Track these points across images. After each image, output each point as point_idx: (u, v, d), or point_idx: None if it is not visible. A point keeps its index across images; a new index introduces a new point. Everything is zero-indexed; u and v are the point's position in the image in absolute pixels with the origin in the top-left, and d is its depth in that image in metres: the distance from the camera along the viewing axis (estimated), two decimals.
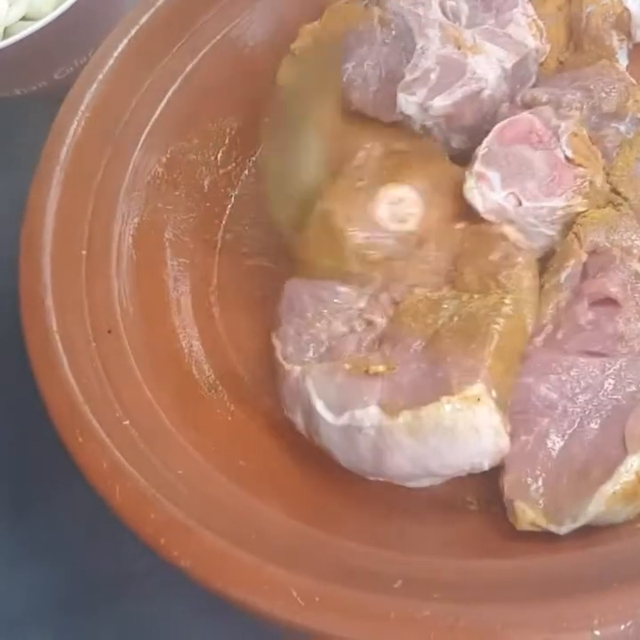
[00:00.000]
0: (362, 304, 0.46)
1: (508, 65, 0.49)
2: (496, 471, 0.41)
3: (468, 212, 0.47)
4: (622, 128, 0.48)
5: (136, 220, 0.53)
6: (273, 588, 0.35)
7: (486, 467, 0.40)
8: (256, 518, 0.41)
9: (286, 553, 0.38)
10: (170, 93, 0.56)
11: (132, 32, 0.53)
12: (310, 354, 0.45)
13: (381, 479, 0.42)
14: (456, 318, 0.42)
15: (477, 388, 0.39)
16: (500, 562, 0.38)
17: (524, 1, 0.52)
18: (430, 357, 0.41)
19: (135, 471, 0.40)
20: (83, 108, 0.51)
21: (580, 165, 0.46)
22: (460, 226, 0.47)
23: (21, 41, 0.57)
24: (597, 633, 0.31)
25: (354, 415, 0.40)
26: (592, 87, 0.48)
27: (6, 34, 0.61)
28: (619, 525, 0.39)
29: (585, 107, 0.48)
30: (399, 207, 0.48)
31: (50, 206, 0.48)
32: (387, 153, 0.50)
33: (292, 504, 0.43)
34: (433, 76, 0.48)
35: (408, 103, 0.48)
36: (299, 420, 0.44)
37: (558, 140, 0.46)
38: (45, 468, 0.52)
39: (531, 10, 0.52)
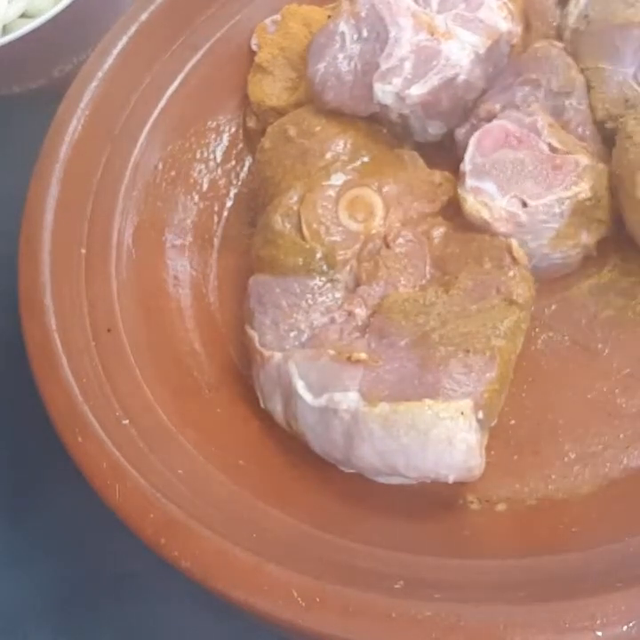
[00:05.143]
0: (337, 294, 0.46)
1: (482, 50, 0.49)
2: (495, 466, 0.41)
3: (446, 216, 0.47)
4: (574, 102, 0.48)
5: (135, 219, 0.53)
6: (273, 588, 0.35)
7: (451, 480, 0.39)
8: (256, 518, 0.41)
9: (287, 553, 0.38)
10: (169, 91, 0.56)
11: (132, 30, 0.53)
12: (291, 342, 0.45)
13: (351, 471, 0.42)
14: (450, 326, 0.42)
15: (465, 404, 0.39)
16: (502, 562, 0.38)
17: None
18: (420, 358, 0.41)
19: (135, 471, 0.40)
20: (82, 105, 0.51)
21: (567, 152, 0.46)
22: (440, 229, 0.47)
23: (20, 38, 0.57)
24: (600, 633, 0.31)
25: (332, 397, 0.41)
26: (535, 76, 0.48)
27: (5, 31, 0.61)
28: (620, 526, 0.39)
29: (539, 97, 0.48)
30: (362, 209, 0.47)
31: (49, 204, 0.48)
32: (356, 156, 0.49)
33: (292, 504, 0.43)
34: (408, 64, 0.48)
35: (385, 93, 0.48)
36: (277, 408, 0.44)
37: (538, 134, 0.46)
38: (45, 467, 0.52)
39: None
